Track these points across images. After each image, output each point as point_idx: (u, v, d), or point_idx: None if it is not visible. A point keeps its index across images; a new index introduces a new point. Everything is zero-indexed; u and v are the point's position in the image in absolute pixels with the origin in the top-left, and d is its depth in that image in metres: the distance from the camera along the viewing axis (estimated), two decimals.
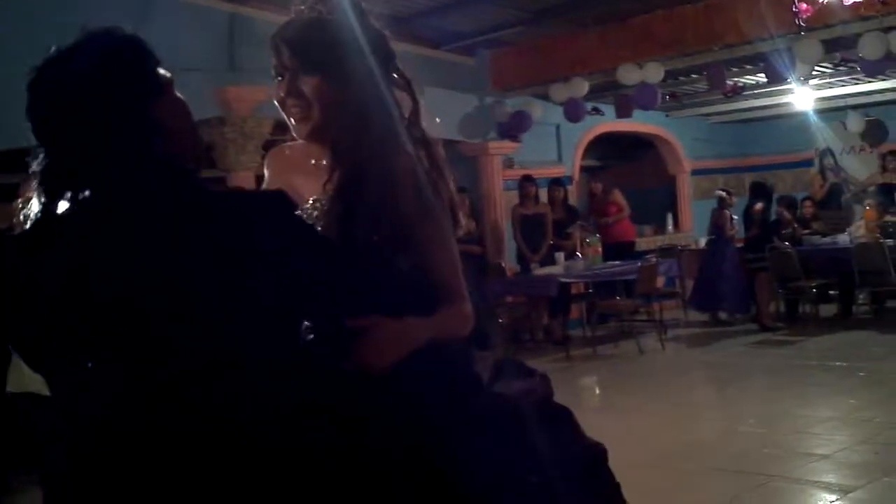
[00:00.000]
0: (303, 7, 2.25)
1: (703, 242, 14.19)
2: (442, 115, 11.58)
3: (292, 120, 2.25)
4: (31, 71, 1.88)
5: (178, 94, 1.99)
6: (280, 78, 2.23)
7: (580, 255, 12.06)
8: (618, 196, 13.75)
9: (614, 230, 13.48)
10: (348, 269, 2.01)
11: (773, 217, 13.06)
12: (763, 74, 11.58)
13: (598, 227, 13.46)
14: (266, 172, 2.41)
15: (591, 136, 14.12)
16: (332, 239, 2.09)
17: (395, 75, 2.29)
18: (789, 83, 11.63)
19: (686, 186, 16.21)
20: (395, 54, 2.29)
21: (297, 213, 2.01)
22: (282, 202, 1.91)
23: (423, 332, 2.08)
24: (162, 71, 1.96)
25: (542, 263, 11.89)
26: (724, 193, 13.20)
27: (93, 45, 1.89)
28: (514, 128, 12.37)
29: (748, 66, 11.88)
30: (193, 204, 1.82)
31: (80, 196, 1.80)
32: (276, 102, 2.27)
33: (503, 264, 12.29)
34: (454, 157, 12.36)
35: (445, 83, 11.59)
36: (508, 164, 12.97)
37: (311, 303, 1.91)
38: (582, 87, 11.35)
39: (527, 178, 12.39)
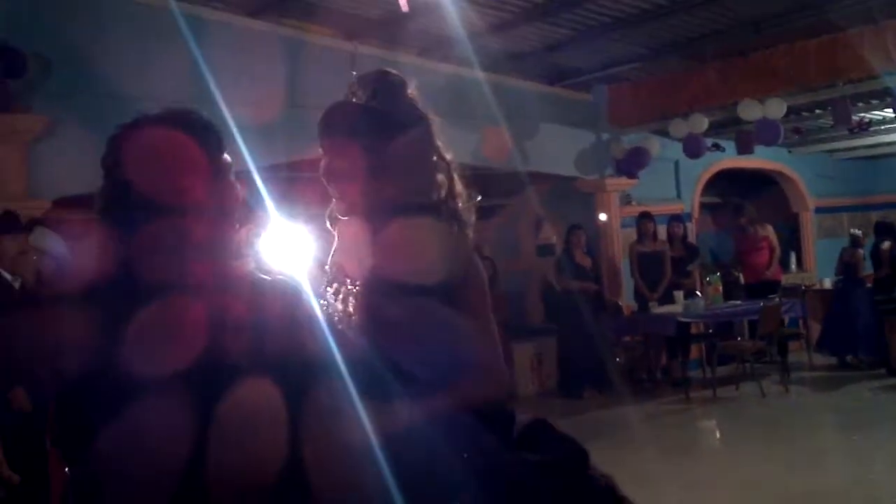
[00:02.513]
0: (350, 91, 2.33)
1: (828, 283, 13.79)
2: (558, 151, 11.75)
3: (334, 198, 2.36)
4: (117, 127, 1.99)
5: (232, 180, 2.07)
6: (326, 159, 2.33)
7: (700, 294, 11.82)
8: (770, 231, 13.13)
9: (762, 269, 12.93)
10: (358, 359, 2.05)
11: None
12: (890, 109, 11.26)
13: (743, 265, 13.20)
14: (335, 239, 2.46)
15: (710, 172, 13.87)
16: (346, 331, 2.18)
17: (436, 157, 2.33)
18: None
19: (809, 224, 15.79)
20: (435, 140, 2.32)
21: (306, 303, 2.07)
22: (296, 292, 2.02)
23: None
24: (225, 156, 2.04)
25: (661, 302, 11.72)
26: (858, 232, 12.85)
27: (167, 121, 1.98)
28: (631, 164, 12.25)
29: (874, 101, 11.57)
30: (203, 289, 1.90)
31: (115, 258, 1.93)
32: (322, 178, 2.36)
33: (620, 302, 12.15)
34: (571, 193, 12.33)
35: (562, 119, 11.58)
36: (626, 200, 12.82)
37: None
38: (702, 122, 11.18)
39: (645, 215, 12.23)
